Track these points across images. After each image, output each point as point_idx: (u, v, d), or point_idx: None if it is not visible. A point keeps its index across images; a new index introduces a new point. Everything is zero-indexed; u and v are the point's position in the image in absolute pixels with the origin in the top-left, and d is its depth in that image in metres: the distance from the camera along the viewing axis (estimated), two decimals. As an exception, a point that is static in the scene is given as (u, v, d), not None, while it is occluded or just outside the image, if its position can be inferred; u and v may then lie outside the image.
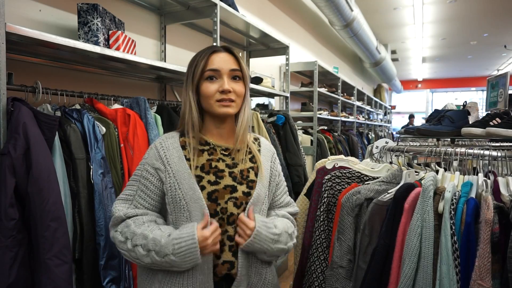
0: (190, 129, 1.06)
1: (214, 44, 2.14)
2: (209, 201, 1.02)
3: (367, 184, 1.42)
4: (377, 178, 1.47)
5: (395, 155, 1.55)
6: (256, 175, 1.10)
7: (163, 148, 1.06)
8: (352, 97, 5.80)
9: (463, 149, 1.28)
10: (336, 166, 1.63)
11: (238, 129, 1.08)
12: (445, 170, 1.33)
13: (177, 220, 1.02)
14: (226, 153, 1.10)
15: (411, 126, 2.11)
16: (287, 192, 1.25)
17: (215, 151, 1.09)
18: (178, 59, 2.52)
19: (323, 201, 1.48)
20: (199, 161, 1.06)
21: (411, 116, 9.92)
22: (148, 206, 1.05)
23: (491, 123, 1.48)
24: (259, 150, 1.16)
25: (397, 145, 1.58)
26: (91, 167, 1.35)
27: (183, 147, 1.07)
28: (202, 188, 1.02)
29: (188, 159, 1.05)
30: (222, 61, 1.05)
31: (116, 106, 1.66)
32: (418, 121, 11.26)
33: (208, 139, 1.10)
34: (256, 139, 1.19)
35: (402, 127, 3.47)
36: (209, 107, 1.06)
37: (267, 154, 1.18)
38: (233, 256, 1.04)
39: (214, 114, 1.07)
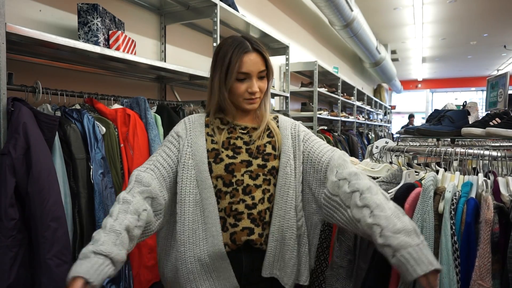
0: (212, 113, 1.19)
1: (215, 43, 2.15)
2: (225, 172, 1.11)
3: (367, 184, 1.42)
4: (377, 178, 1.47)
5: (395, 155, 1.55)
6: (273, 148, 1.17)
7: (190, 122, 1.20)
8: (352, 97, 5.79)
9: (463, 149, 1.28)
10: (336, 166, 1.62)
11: (262, 111, 1.19)
12: (445, 170, 1.33)
13: (182, 188, 1.10)
14: (245, 131, 1.19)
15: (411, 126, 2.11)
16: (328, 146, 1.20)
17: (235, 130, 1.18)
18: (178, 59, 2.52)
19: (323, 201, 1.47)
20: (219, 138, 1.17)
21: (411, 116, 9.91)
22: (164, 165, 1.13)
23: (491, 123, 1.48)
24: (278, 126, 1.22)
25: (397, 145, 1.58)
26: (91, 167, 1.35)
27: (207, 125, 1.19)
28: (221, 160, 1.12)
29: (210, 135, 1.16)
30: (252, 64, 1.12)
31: (116, 106, 1.66)
32: (418, 121, 11.26)
33: (229, 119, 1.20)
34: (275, 117, 1.27)
35: (402, 127, 3.47)
36: (237, 102, 1.16)
37: (286, 124, 1.23)
38: (251, 223, 1.10)
39: (241, 108, 1.17)
